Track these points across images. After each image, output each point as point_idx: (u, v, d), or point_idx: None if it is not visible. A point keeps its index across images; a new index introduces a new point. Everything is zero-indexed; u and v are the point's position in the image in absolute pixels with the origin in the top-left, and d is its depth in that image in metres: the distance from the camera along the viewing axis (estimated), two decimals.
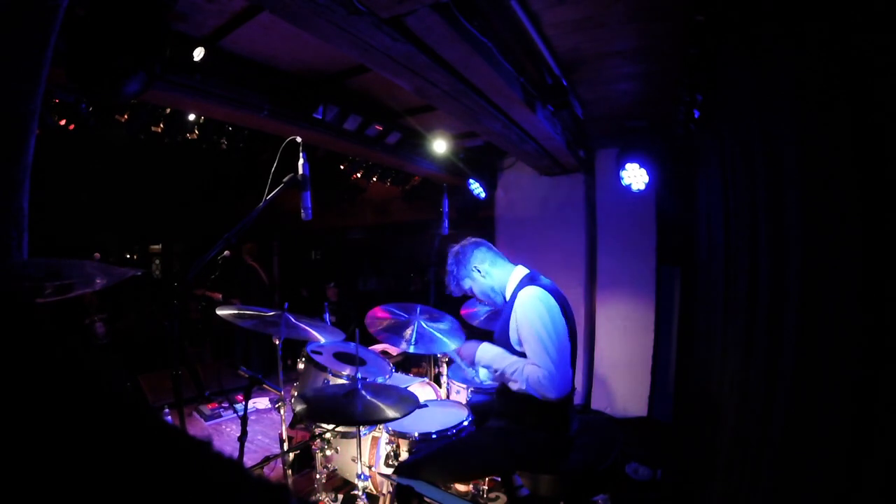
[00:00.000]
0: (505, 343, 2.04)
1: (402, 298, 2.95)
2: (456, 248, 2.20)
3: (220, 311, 2.41)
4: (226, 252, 1.71)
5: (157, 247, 11.34)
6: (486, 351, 2.06)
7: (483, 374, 2.27)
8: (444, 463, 2.03)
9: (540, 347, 1.87)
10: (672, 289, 4.49)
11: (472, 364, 2.14)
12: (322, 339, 2.57)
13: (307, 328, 2.54)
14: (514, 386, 1.91)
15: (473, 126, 3.37)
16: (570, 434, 2.04)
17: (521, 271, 2.13)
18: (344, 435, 2.47)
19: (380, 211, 7.97)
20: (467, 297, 2.32)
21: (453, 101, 2.76)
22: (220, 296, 5.84)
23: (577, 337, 2.07)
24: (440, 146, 4.24)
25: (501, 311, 2.15)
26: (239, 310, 2.52)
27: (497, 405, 2.18)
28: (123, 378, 4.46)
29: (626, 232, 4.58)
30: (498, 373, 1.97)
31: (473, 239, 2.21)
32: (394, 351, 3.11)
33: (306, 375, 2.79)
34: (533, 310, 1.91)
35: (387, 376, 2.76)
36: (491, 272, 2.13)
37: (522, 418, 1.99)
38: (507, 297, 2.10)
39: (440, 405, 2.68)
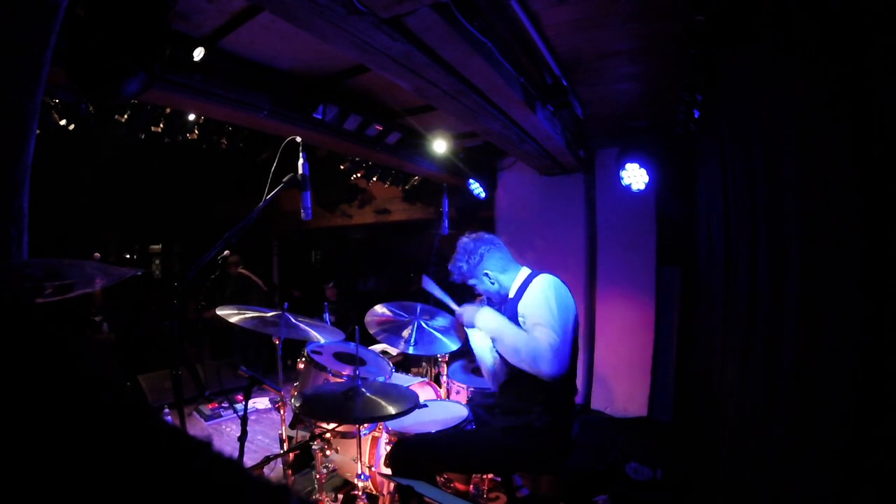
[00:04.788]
0: None
1: (402, 298, 2.94)
2: (468, 242, 2.13)
3: (221, 311, 2.41)
4: (226, 252, 1.70)
5: (157, 247, 11.34)
6: (487, 314, 2.01)
7: (477, 345, 2.21)
8: (444, 453, 2.03)
9: (547, 321, 1.86)
10: (672, 289, 4.48)
11: (471, 326, 2.08)
12: (322, 340, 2.57)
13: (307, 328, 2.54)
14: (510, 352, 1.87)
15: (473, 126, 3.37)
16: (571, 435, 2.05)
17: (525, 273, 2.14)
18: (344, 435, 2.46)
19: (380, 211, 7.96)
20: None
21: (453, 101, 2.76)
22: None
23: (579, 331, 2.07)
24: (440, 146, 4.24)
25: (505, 306, 2.14)
26: (239, 309, 2.52)
27: (498, 404, 2.19)
28: (123, 378, 4.46)
29: (626, 232, 4.58)
30: (497, 332, 1.93)
31: (487, 236, 2.15)
32: (394, 351, 3.10)
33: (306, 375, 2.79)
34: (545, 290, 1.94)
35: (387, 376, 2.76)
36: (500, 279, 2.12)
37: (523, 418, 1.99)
38: (512, 295, 2.10)
39: (440, 405, 2.68)
